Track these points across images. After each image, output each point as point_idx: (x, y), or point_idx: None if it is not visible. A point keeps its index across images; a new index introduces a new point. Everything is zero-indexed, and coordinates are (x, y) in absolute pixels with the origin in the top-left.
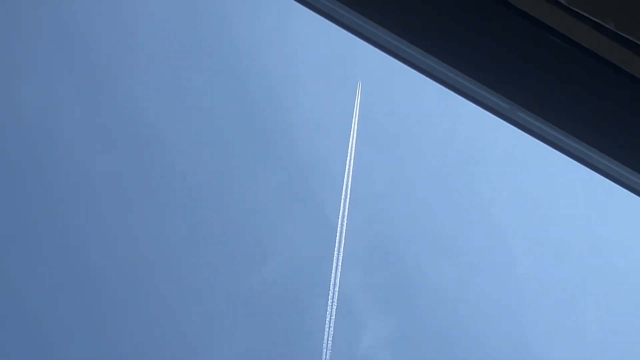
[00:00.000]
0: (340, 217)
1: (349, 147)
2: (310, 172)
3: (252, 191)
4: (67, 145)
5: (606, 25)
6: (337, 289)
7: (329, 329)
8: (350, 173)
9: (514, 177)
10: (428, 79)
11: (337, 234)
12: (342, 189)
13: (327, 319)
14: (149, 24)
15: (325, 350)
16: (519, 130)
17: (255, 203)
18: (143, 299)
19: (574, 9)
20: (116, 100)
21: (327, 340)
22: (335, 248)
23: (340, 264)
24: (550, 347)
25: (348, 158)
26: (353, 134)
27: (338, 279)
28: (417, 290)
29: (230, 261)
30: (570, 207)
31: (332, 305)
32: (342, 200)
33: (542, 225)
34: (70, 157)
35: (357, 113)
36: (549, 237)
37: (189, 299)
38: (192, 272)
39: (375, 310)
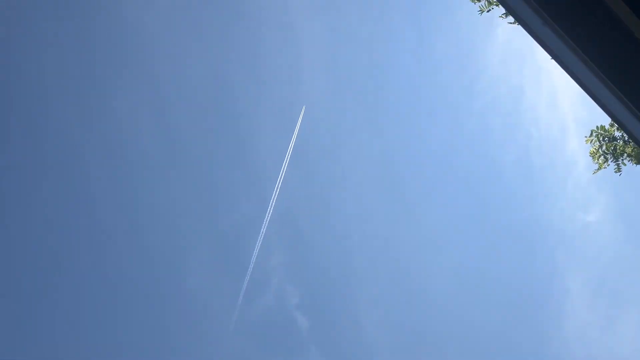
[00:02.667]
0: (273, 196)
1: (288, 152)
2: (261, 171)
3: (227, 177)
4: None
5: None
6: (264, 230)
7: (257, 250)
8: (284, 172)
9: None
10: None
11: (270, 205)
12: (277, 181)
13: (256, 245)
14: None
15: (252, 260)
16: None
17: (230, 184)
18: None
19: None
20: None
21: (254, 256)
22: (268, 212)
23: (268, 219)
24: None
25: (285, 161)
26: (292, 143)
27: (265, 227)
28: (305, 236)
29: (219, 209)
30: None
31: (260, 237)
32: (276, 188)
33: None
34: None
35: (298, 129)
36: None
37: (189, 232)
38: (196, 216)
39: (280, 245)
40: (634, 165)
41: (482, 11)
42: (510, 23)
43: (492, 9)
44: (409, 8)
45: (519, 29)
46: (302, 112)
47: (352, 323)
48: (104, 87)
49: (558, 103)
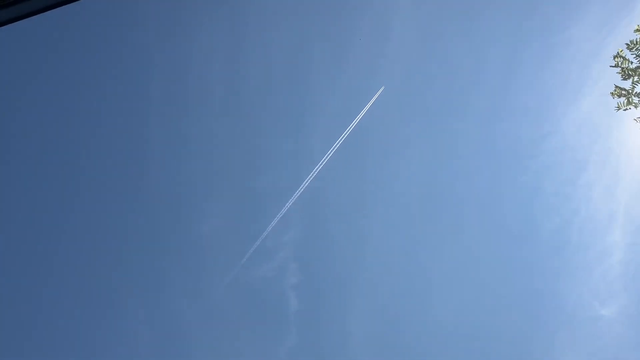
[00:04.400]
0: (311, 173)
1: (345, 133)
2: (312, 144)
3: (274, 139)
4: None
5: None
6: (290, 205)
7: (276, 220)
8: (333, 152)
9: None
10: None
11: (305, 181)
12: (322, 159)
13: (277, 215)
14: None
15: (268, 228)
16: None
17: (274, 147)
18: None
19: None
20: None
21: (271, 225)
22: (300, 188)
23: (298, 195)
24: None
25: (338, 141)
26: (352, 125)
27: (292, 202)
28: (326, 223)
29: (255, 168)
30: None
31: (284, 209)
32: (318, 166)
33: None
34: None
35: (365, 111)
36: None
37: (218, 180)
38: (229, 167)
39: (299, 223)
40: None
41: (619, 108)
42: None
43: (630, 109)
44: (507, 50)
45: (607, 110)
46: (379, 93)
47: (340, 323)
48: (188, 32)
49: (616, 192)
